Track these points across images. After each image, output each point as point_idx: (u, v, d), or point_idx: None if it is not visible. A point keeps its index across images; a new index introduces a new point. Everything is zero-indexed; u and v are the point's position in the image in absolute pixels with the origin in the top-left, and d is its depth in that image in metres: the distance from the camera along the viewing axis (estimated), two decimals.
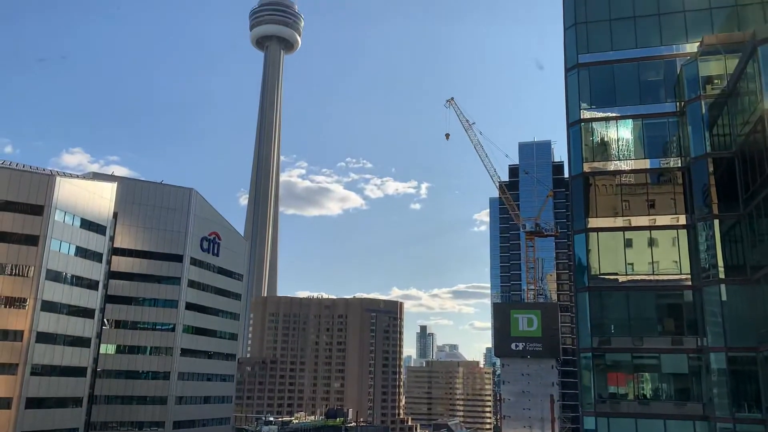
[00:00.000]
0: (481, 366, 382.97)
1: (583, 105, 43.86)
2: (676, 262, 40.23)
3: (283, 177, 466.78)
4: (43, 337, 73.51)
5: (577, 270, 43.87)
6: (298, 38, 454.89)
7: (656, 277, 40.38)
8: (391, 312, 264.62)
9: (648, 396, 40.62)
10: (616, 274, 41.34)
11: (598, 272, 41.60)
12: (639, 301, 40.86)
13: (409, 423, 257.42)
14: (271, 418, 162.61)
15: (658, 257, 40.82)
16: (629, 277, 40.87)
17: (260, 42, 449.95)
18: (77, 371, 78.53)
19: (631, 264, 41.22)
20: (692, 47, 41.30)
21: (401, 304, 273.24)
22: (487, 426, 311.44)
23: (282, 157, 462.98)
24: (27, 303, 72.35)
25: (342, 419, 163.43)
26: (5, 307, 71.73)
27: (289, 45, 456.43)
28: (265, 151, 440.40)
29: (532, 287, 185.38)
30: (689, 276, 39.39)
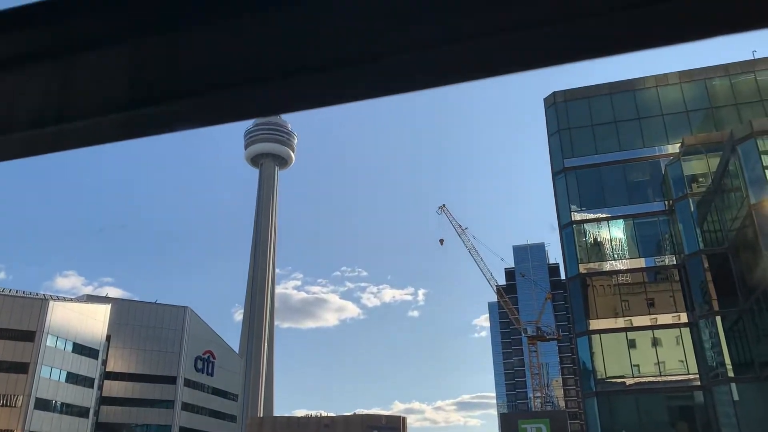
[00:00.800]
0: None
1: (573, 207, 44.53)
2: (682, 361, 39.31)
3: (278, 289, 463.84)
4: None
5: (582, 374, 42.77)
6: (292, 154, 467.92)
7: (664, 379, 39.31)
8: (395, 428, 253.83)
9: None
10: (623, 377, 40.25)
11: (604, 376, 40.50)
12: (649, 405, 39.50)
13: None
14: None
15: (663, 357, 39.94)
16: (636, 380, 39.76)
17: (255, 160, 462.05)
18: None
19: (637, 365, 40.24)
20: (674, 148, 42.63)
21: (404, 419, 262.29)
22: None
23: (277, 270, 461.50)
24: None
25: None
26: None
27: (283, 161, 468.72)
28: (261, 265, 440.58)
29: (539, 394, 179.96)
30: (697, 375, 38.38)
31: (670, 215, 42.03)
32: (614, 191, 44.07)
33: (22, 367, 71.54)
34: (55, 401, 74.18)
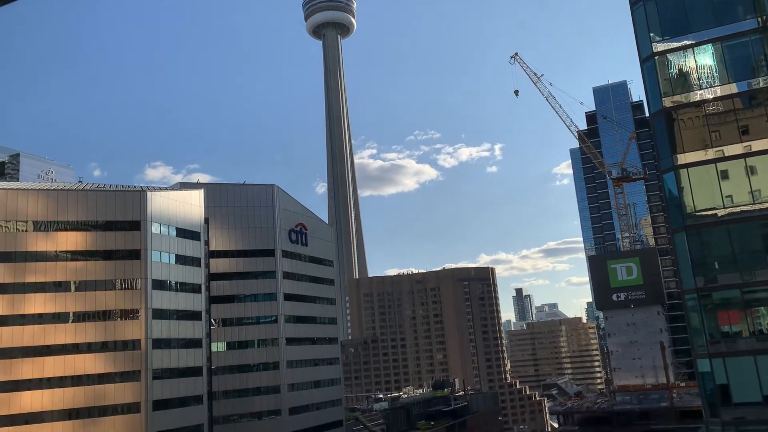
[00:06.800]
0: (584, 321, 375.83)
1: (655, 38, 41.65)
2: None
3: (355, 159, 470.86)
4: (158, 343, 78.16)
5: (670, 210, 42.09)
6: (353, 21, 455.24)
7: (759, 206, 38.12)
8: (484, 279, 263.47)
9: (765, 331, 38.67)
10: (714, 209, 39.35)
11: (693, 210, 39.76)
12: (742, 234, 38.79)
13: (518, 386, 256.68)
14: (381, 395, 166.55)
15: (758, 185, 38.50)
16: (728, 210, 38.80)
17: (316, 31, 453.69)
18: (194, 371, 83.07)
19: (729, 196, 39.09)
20: None
21: (492, 269, 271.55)
22: (598, 380, 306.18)
23: (352, 141, 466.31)
24: (139, 313, 77.05)
25: (449, 389, 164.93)
26: (121, 319, 76.72)
27: (345, 29, 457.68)
28: (337, 136, 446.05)
29: (627, 235, 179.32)
30: None
31: (763, 33, 38.62)
32: (699, 13, 40.58)
33: (135, 254, 78.06)
34: (170, 281, 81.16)
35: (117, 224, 78.59)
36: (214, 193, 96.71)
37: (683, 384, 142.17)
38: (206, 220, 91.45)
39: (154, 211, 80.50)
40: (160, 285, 79.51)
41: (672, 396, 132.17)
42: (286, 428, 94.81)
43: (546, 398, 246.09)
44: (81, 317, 75.20)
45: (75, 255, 76.41)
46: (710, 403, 38.74)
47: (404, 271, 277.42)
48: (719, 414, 37.70)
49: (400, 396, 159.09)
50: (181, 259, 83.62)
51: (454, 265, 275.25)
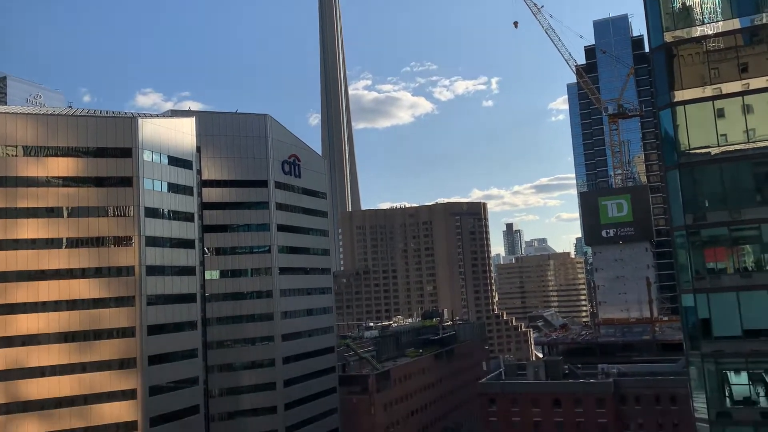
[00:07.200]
0: (573, 256, 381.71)
1: None
2: None
3: (350, 90, 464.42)
4: (152, 270, 78.97)
5: (664, 147, 42.03)
6: None
7: (753, 145, 38.12)
8: (475, 213, 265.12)
9: (750, 268, 39.43)
10: (708, 147, 39.31)
11: (687, 147, 39.71)
12: (734, 173, 38.93)
13: (505, 317, 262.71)
14: (371, 324, 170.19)
15: (753, 124, 38.36)
16: (722, 149, 38.79)
17: None
18: (188, 298, 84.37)
19: (724, 135, 39.00)
20: None
21: (484, 204, 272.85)
22: (584, 314, 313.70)
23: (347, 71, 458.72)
24: (132, 240, 77.47)
25: (438, 319, 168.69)
26: (114, 246, 77.16)
27: None
28: (331, 66, 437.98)
29: (620, 172, 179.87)
30: None
31: None
32: None
33: (126, 181, 77.76)
34: (162, 209, 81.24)
35: (108, 151, 77.85)
36: (206, 122, 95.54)
37: (666, 318, 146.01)
38: (198, 149, 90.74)
39: (146, 139, 79.67)
40: (152, 213, 79.62)
41: (655, 329, 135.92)
42: (279, 353, 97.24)
43: (532, 329, 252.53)
44: (74, 243, 75.55)
45: (66, 181, 76.06)
46: (691, 337, 39.88)
47: (397, 204, 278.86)
48: (699, 347, 38.87)
49: (390, 325, 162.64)
50: (174, 188, 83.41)
51: (446, 200, 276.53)
